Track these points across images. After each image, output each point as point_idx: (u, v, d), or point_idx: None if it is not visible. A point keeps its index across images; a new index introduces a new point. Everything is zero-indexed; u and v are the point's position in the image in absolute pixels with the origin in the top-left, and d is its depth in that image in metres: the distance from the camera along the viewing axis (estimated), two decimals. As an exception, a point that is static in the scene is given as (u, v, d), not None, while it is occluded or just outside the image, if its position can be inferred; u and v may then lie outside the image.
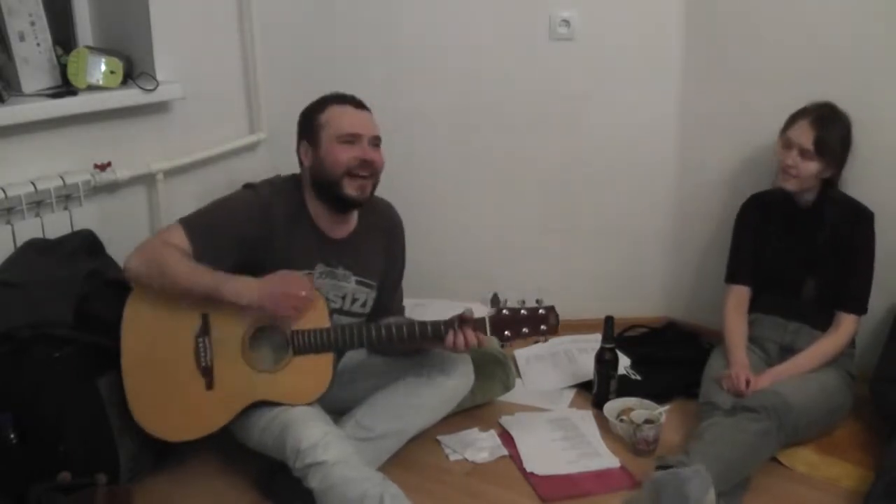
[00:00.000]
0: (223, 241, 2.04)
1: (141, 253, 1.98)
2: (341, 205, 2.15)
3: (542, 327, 2.08)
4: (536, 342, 2.91)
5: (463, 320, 2.05)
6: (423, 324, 2.08)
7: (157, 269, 1.96)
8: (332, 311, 2.13)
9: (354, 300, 2.24)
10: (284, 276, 2.01)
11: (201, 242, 2.01)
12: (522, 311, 2.08)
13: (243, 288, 1.97)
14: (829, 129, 2.35)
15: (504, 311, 2.08)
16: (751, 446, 2.07)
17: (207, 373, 2.02)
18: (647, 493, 1.93)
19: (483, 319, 2.07)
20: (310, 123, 2.17)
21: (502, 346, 2.57)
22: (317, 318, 2.05)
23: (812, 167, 2.35)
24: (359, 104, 2.18)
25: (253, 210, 2.09)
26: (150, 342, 2.01)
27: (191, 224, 2.03)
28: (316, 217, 2.18)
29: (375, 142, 2.16)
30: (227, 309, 2.00)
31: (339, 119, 2.14)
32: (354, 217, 2.24)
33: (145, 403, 2.02)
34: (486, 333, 2.07)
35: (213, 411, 2.02)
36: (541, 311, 2.09)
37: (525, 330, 2.08)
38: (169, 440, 2.04)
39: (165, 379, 2.02)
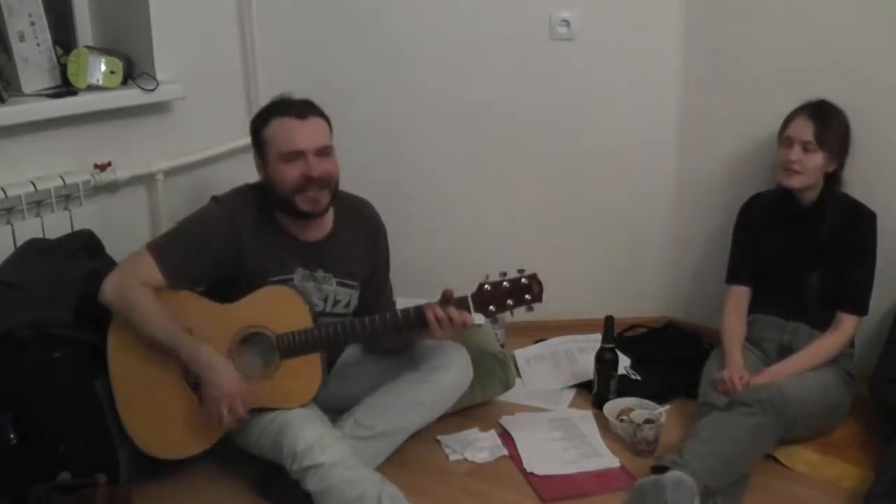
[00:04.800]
0: (194, 262, 2.03)
1: (116, 288, 1.96)
2: (300, 217, 2.12)
3: (527, 297, 2.04)
4: (537, 341, 2.94)
5: (445, 300, 2.02)
6: (405, 310, 2.05)
7: (127, 311, 1.95)
8: (316, 314, 2.12)
9: (336, 301, 2.22)
10: (227, 389, 1.93)
11: (172, 268, 2.00)
12: (505, 284, 2.04)
13: (193, 362, 1.94)
14: (827, 120, 2.37)
15: (486, 287, 2.04)
16: (747, 442, 2.06)
17: (198, 388, 2.00)
18: (631, 499, 1.93)
19: (465, 298, 2.03)
20: (256, 138, 2.12)
21: (501, 345, 2.57)
22: (299, 320, 2.05)
23: (816, 160, 2.35)
24: (302, 112, 2.06)
25: (221, 224, 2.07)
26: (137, 363, 2.00)
27: (159, 250, 2.02)
28: (286, 223, 2.15)
29: (323, 151, 2.07)
30: (210, 322, 2.00)
31: (281, 136, 2.05)
32: (329, 219, 2.21)
33: (140, 425, 2.01)
34: (469, 311, 2.03)
35: (209, 426, 2.01)
36: (523, 280, 2.04)
37: (510, 302, 2.04)
38: (172, 459, 2.04)
39: (157, 398, 2.01)
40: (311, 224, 2.16)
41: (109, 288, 1.97)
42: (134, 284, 1.96)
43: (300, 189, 2.05)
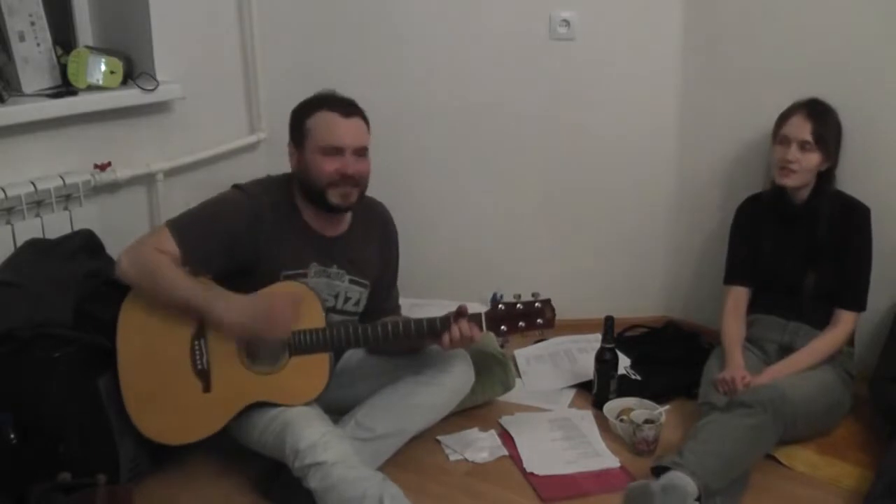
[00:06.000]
0: (212, 243, 2.03)
1: (133, 257, 1.97)
2: (327, 210, 2.14)
3: (539, 321, 2.06)
4: (537, 341, 2.94)
5: (458, 315, 2.04)
6: (419, 321, 2.07)
7: (149, 278, 1.95)
8: (325, 310, 2.12)
9: (347, 299, 2.23)
10: (272, 296, 1.98)
11: (190, 245, 1.99)
12: (518, 306, 2.06)
13: (230, 308, 1.96)
14: (824, 119, 2.39)
15: (500, 306, 2.06)
16: (746, 441, 2.06)
17: (204, 375, 2.01)
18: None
19: (479, 315, 2.05)
20: (297, 126, 2.14)
21: (501, 345, 2.57)
22: (312, 319, 2.05)
23: (813, 159, 2.37)
24: (348, 111, 2.11)
25: (242, 210, 2.07)
26: (146, 346, 2.01)
27: (178, 227, 2.02)
28: (308, 216, 2.16)
29: (360, 152, 2.11)
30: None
31: (325, 128, 2.09)
32: (347, 216, 2.23)
33: (143, 408, 2.01)
34: (481, 329, 2.05)
35: (211, 414, 2.02)
36: (537, 304, 2.06)
37: (521, 324, 2.06)
38: (168, 444, 2.04)
39: (162, 382, 2.01)
40: (332, 219, 2.18)
41: (127, 257, 1.97)
42: (152, 251, 1.96)
43: (333, 184, 2.08)
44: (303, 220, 2.16)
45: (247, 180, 2.22)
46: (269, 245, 2.09)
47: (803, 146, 2.36)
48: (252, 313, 1.97)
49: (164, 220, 2.06)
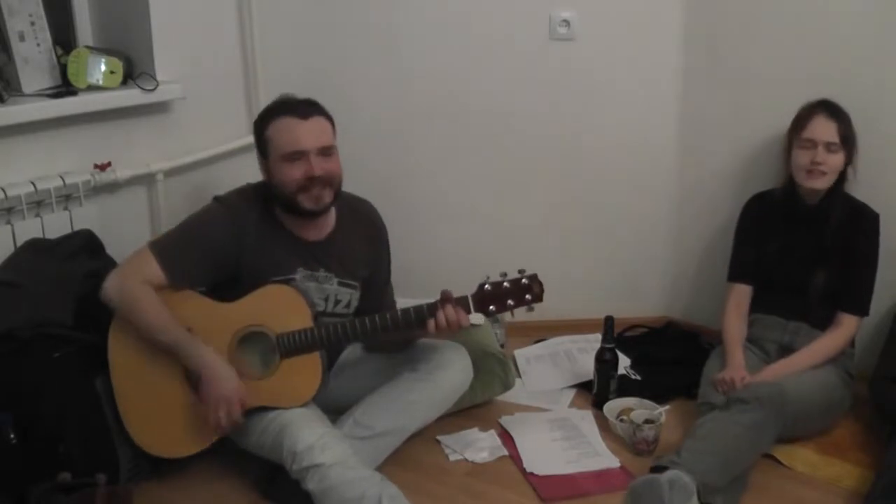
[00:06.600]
0: (196, 262, 2.03)
1: (117, 286, 1.98)
2: (302, 215, 2.12)
3: (527, 297, 2.03)
4: (537, 341, 2.94)
5: (444, 300, 2.02)
6: (405, 310, 2.05)
7: (128, 310, 1.97)
8: (316, 314, 2.12)
9: (338, 301, 2.22)
10: (226, 392, 1.95)
11: (174, 266, 2.00)
12: (505, 284, 2.02)
13: (199, 363, 1.95)
14: (845, 119, 2.38)
15: (486, 287, 2.03)
16: (744, 439, 2.06)
17: (199, 387, 2.01)
18: (628, 501, 1.93)
19: (465, 297, 2.03)
20: (259, 137, 2.12)
21: (501, 345, 2.57)
22: (300, 320, 2.05)
23: (839, 160, 2.37)
24: (305, 112, 2.06)
25: (224, 223, 2.07)
26: (138, 361, 2.00)
27: (161, 249, 2.02)
28: (289, 223, 2.15)
29: (326, 151, 2.07)
30: (210, 320, 2.00)
31: (282, 135, 2.05)
32: (331, 219, 2.21)
33: (141, 423, 2.02)
34: (469, 311, 2.03)
35: (208, 425, 2.00)
36: (524, 281, 2.03)
37: (510, 302, 2.02)
38: (170, 457, 2.04)
39: (157, 397, 2.01)
40: (313, 223, 2.17)
41: (111, 286, 1.98)
42: (135, 283, 1.97)
43: (303, 188, 2.06)
44: (285, 227, 2.15)
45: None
46: (254, 256, 2.09)
47: (830, 147, 2.35)
48: (207, 379, 1.95)
49: (147, 242, 2.06)
